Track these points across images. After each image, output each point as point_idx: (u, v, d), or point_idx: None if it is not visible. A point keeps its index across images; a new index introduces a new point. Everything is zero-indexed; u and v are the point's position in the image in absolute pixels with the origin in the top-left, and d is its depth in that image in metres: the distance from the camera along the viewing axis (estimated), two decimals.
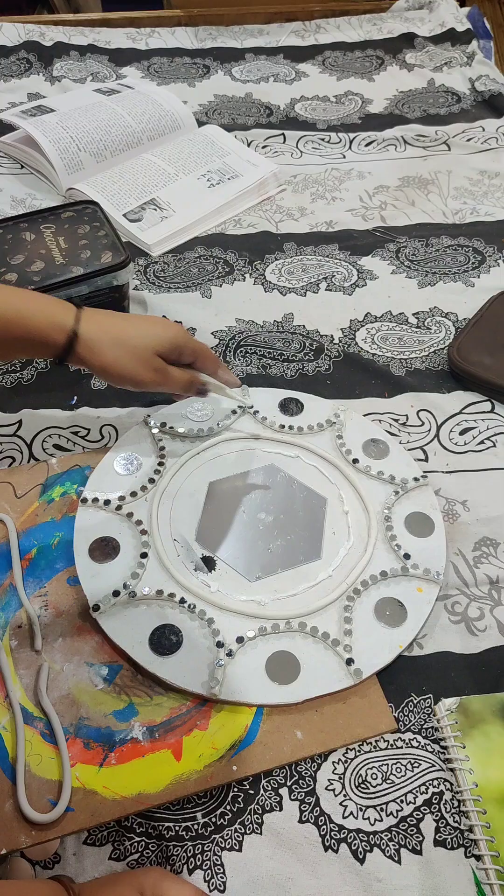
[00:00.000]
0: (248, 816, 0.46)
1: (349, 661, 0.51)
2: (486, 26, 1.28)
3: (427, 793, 0.47)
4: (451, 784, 0.47)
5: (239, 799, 0.46)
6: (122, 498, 0.59)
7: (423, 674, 0.52)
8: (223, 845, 0.45)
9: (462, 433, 0.67)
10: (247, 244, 0.87)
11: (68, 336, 0.52)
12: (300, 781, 0.47)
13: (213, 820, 0.45)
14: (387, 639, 0.52)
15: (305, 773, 0.47)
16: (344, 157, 1.02)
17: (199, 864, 0.44)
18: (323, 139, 1.04)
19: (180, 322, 0.75)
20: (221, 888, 0.43)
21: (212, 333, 0.76)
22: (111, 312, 0.56)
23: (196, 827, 0.45)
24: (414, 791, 0.47)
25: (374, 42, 1.26)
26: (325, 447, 0.64)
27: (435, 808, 0.46)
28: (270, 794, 0.46)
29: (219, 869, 0.44)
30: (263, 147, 1.03)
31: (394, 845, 0.45)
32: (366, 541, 0.58)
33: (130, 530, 0.58)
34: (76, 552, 0.56)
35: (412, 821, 0.46)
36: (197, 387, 0.60)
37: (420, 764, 0.48)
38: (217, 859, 0.44)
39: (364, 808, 0.46)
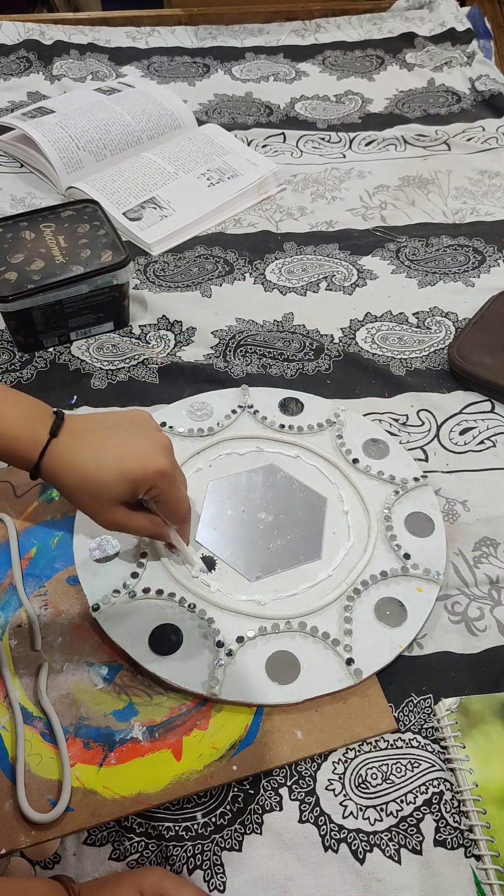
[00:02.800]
0: (248, 816, 0.45)
1: (349, 661, 0.51)
2: (486, 26, 1.28)
3: (427, 793, 0.47)
4: (451, 784, 0.47)
5: (239, 799, 0.46)
6: None
7: (423, 674, 0.52)
8: (223, 845, 0.44)
9: (462, 433, 0.67)
10: (247, 243, 0.87)
11: (34, 465, 0.48)
12: (300, 781, 0.47)
13: (213, 820, 0.45)
14: (387, 639, 0.52)
15: (305, 773, 0.47)
16: (344, 156, 1.02)
17: (198, 863, 0.44)
18: (323, 139, 1.04)
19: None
20: (221, 888, 0.43)
21: (212, 333, 0.76)
22: (91, 423, 0.50)
23: (196, 827, 0.45)
24: (414, 791, 0.47)
25: (375, 42, 1.26)
26: (326, 447, 0.64)
27: (435, 808, 0.46)
28: (270, 793, 0.46)
29: (218, 869, 0.44)
30: (263, 146, 1.03)
31: (394, 845, 0.45)
32: (366, 541, 0.58)
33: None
34: (76, 552, 0.56)
35: (412, 821, 0.46)
36: (166, 538, 0.54)
37: (420, 764, 0.48)
38: (217, 859, 0.44)
39: (364, 808, 0.46)
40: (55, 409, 0.50)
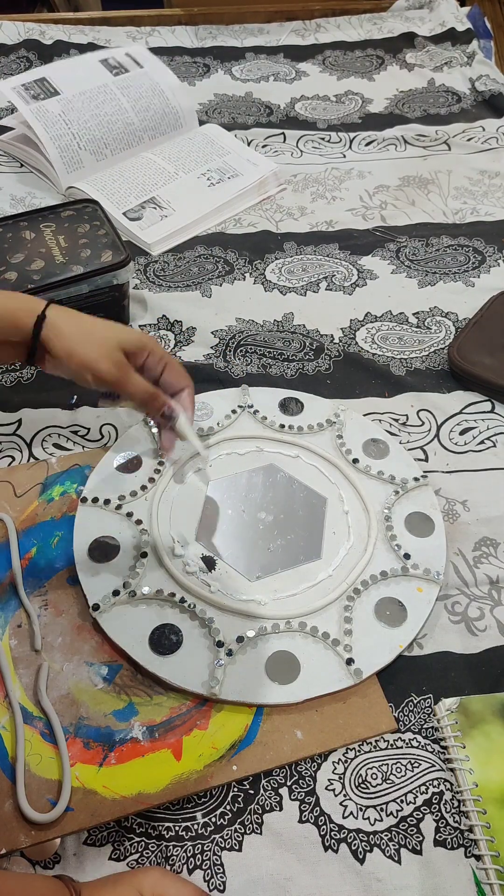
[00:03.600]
0: (248, 816, 0.45)
1: (349, 661, 0.51)
2: (486, 26, 1.28)
3: (427, 793, 0.47)
4: (451, 784, 0.47)
5: (239, 799, 0.46)
6: (121, 497, 0.59)
7: (423, 674, 0.52)
8: (223, 845, 0.44)
9: (462, 433, 0.67)
10: (247, 243, 0.87)
11: (37, 318, 0.52)
12: (300, 781, 0.47)
13: (213, 820, 0.45)
14: (387, 639, 0.52)
15: (305, 773, 0.47)
16: (344, 156, 1.02)
17: (199, 863, 0.44)
18: (323, 138, 1.04)
19: (180, 321, 0.74)
20: (221, 888, 0.43)
21: (212, 333, 0.76)
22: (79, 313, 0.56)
23: (196, 827, 0.45)
24: (414, 791, 0.47)
25: (375, 41, 1.26)
26: (326, 447, 0.64)
27: (435, 808, 0.46)
28: (270, 793, 0.46)
29: (218, 869, 0.44)
30: (263, 146, 1.03)
31: (394, 845, 0.45)
32: (366, 541, 0.58)
33: (130, 530, 0.57)
34: (76, 551, 0.56)
35: (412, 821, 0.46)
36: (161, 407, 0.56)
37: (420, 764, 0.48)
38: (217, 859, 0.44)
39: (364, 808, 0.46)
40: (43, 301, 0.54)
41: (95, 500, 0.59)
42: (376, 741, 0.48)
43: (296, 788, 0.47)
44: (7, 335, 0.53)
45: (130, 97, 0.98)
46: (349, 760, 0.48)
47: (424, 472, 0.63)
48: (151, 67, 1.02)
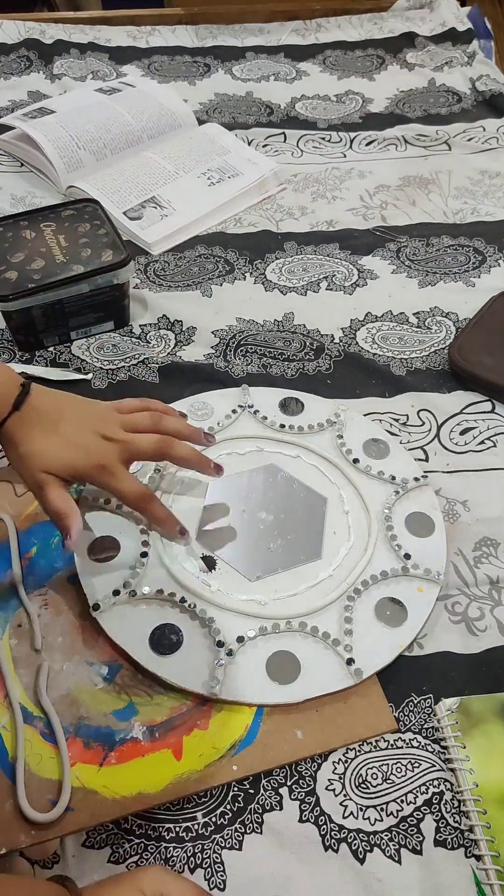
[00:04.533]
0: (249, 816, 0.45)
1: (349, 661, 0.51)
2: (486, 26, 1.28)
3: (427, 793, 0.47)
4: (452, 784, 0.47)
5: (239, 798, 0.46)
6: None
7: (423, 674, 0.52)
8: (223, 844, 0.44)
9: (462, 433, 0.67)
10: (247, 243, 0.87)
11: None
12: (300, 781, 0.47)
13: (214, 819, 0.45)
14: (387, 639, 0.52)
15: (305, 773, 0.47)
16: (344, 156, 1.02)
17: (199, 862, 0.44)
18: (323, 138, 1.04)
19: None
20: (222, 886, 0.43)
21: (212, 332, 0.76)
22: (53, 404, 0.54)
23: (196, 827, 0.45)
24: (414, 791, 0.47)
25: (375, 41, 1.26)
26: (326, 447, 0.64)
27: (435, 808, 0.46)
28: (270, 793, 0.46)
29: (219, 867, 0.44)
30: (264, 146, 1.02)
31: (394, 845, 0.45)
32: (366, 541, 0.58)
33: (130, 529, 0.57)
34: (76, 551, 0.56)
35: (412, 821, 0.46)
36: (62, 531, 0.51)
37: (420, 764, 0.48)
38: (217, 857, 0.44)
39: (364, 808, 0.46)
40: (23, 381, 0.53)
41: (96, 499, 0.59)
42: (376, 741, 0.48)
43: (296, 788, 0.47)
44: None
45: (126, 105, 0.99)
46: (349, 760, 0.48)
47: (425, 472, 0.63)
48: (144, 86, 1.04)
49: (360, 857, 0.44)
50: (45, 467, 0.52)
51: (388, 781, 0.47)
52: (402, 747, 0.48)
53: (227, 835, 0.45)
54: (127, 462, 0.55)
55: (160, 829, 0.45)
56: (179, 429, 0.57)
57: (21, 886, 0.39)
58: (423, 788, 0.47)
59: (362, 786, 0.47)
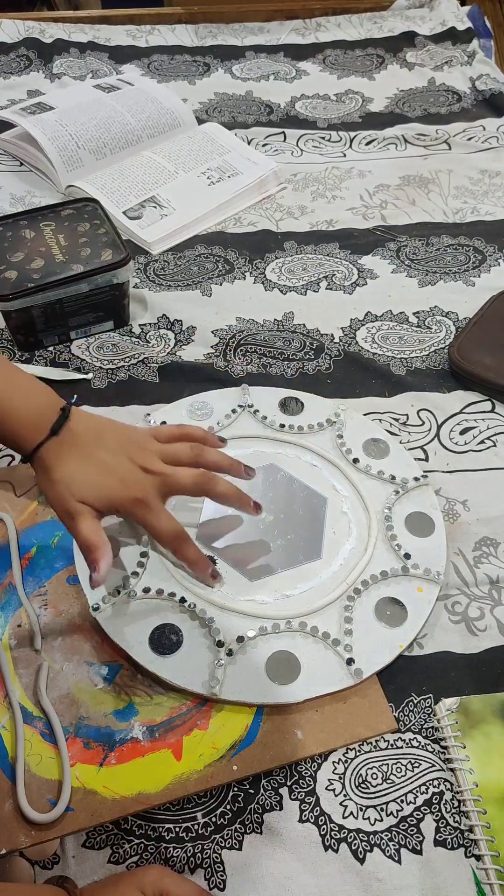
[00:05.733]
0: (249, 816, 0.45)
1: (349, 661, 0.51)
2: (486, 25, 1.28)
3: (427, 793, 0.47)
4: (452, 784, 0.47)
5: (239, 798, 0.46)
6: None
7: (423, 674, 0.52)
8: (223, 844, 0.44)
9: (462, 433, 0.67)
10: (247, 242, 0.87)
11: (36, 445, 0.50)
12: (300, 781, 0.47)
13: (213, 820, 0.45)
14: (387, 639, 0.52)
15: (305, 773, 0.47)
16: (344, 155, 1.02)
17: (199, 862, 0.44)
18: (323, 137, 1.04)
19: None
20: (222, 886, 0.43)
21: (212, 332, 0.76)
22: (94, 429, 0.52)
23: (196, 827, 0.45)
24: (414, 791, 0.47)
25: (375, 41, 1.26)
26: (326, 446, 0.64)
27: (435, 808, 0.46)
28: (270, 793, 0.46)
29: (219, 867, 0.44)
30: (264, 145, 1.02)
31: (394, 845, 0.45)
32: (366, 540, 0.58)
33: (130, 530, 0.57)
34: (76, 551, 0.56)
35: (412, 821, 0.46)
36: (90, 564, 0.49)
37: (420, 764, 0.48)
38: (217, 857, 0.44)
39: (364, 808, 0.46)
40: (63, 405, 0.51)
41: None
42: (376, 741, 0.48)
43: (296, 788, 0.47)
44: (6, 445, 0.52)
45: (125, 104, 0.98)
46: (349, 760, 0.48)
47: (425, 471, 0.63)
48: (143, 84, 1.04)
49: (360, 857, 0.44)
50: (81, 496, 0.49)
51: (388, 781, 0.47)
52: (402, 747, 0.48)
53: (227, 835, 0.45)
54: (164, 497, 0.53)
55: (160, 829, 0.45)
56: (220, 461, 0.55)
57: (20, 893, 0.39)
58: (423, 788, 0.47)
59: (362, 786, 0.47)
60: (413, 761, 0.48)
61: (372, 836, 0.45)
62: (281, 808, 0.46)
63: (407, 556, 0.56)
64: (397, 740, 0.49)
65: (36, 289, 0.67)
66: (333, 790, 0.46)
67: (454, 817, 0.46)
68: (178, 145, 0.96)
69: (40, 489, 0.53)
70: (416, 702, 0.50)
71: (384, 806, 0.46)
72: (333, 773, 0.47)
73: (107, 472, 0.51)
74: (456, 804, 0.46)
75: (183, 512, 0.59)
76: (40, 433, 0.50)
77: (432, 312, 0.79)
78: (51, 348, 0.73)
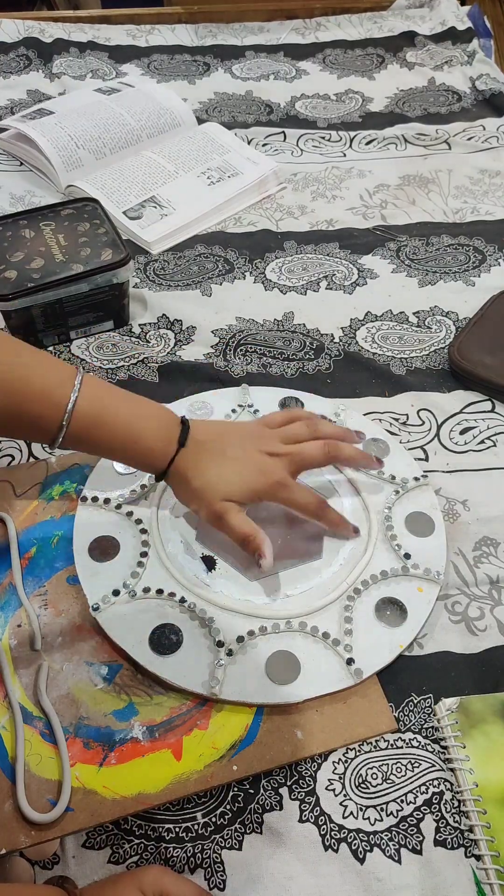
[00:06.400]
0: (249, 816, 0.45)
1: (349, 661, 0.51)
2: (486, 25, 1.28)
3: (427, 793, 0.47)
4: (452, 784, 0.47)
5: (239, 798, 0.46)
6: (122, 497, 0.59)
7: (423, 674, 0.52)
8: (223, 844, 0.44)
9: (462, 433, 0.67)
10: (247, 242, 0.87)
11: (168, 462, 0.53)
12: (300, 781, 0.47)
13: (213, 819, 0.45)
14: (387, 638, 0.52)
15: (305, 773, 0.47)
16: (344, 155, 1.02)
17: (199, 862, 0.44)
18: (323, 137, 1.04)
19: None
20: (222, 886, 0.43)
21: (212, 332, 0.76)
22: (214, 431, 0.55)
23: (196, 827, 0.45)
24: (414, 791, 0.47)
25: (375, 40, 1.26)
26: None
27: (435, 807, 0.46)
28: (270, 793, 0.46)
29: (219, 867, 0.44)
30: (264, 145, 1.02)
31: (394, 845, 0.45)
32: (366, 540, 0.58)
33: (130, 529, 0.57)
34: (76, 551, 0.56)
35: (412, 821, 0.46)
36: (253, 552, 0.53)
37: (420, 764, 0.48)
38: (217, 858, 0.44)
39: (364, 808, 0.46)
40: (182, 417, 0.55)
41: (95, 499, 0.59)
42: (376, 741, 0.48)
43: (296, 788, 0.47)
44: (138, 468, 0.55)
45: (125, 105, 0.99)
46: (349, 760, 0.48)
47: (424, 471, 0.63)
48: (143, 85, 1.04)
49: (360, 856, 0.44)
50: (226, 495, 0.52)
51: (388, 781, 0.47)
52: (402, 747, 0.48)
53: (227, 835, 0.45)
54: (295, 473, 0.56)
55: (160, 829, 0.45)
56: (335, 431, 0.58)
57: (20, 893, 0.39)
58: (423, 788, 0.47)
59: (362, 786, 0.47)
60: (413, 761, 0.48)
61: (372, 836, 0.45)
62: (281, 808, 0.46)
63: (407, 556, 0.56)
64: (397, 740, 0.49)
65: (36, 289, 0.67)
66: (333, 790, 0.46)
67: (454, 817, 0.46)
68: (177, 145, 0.96)
69: (181, 501, 0.55)
70: (416, 702, 0.50)
71: (384, 806, 0.46)
72: (333, 773, 0.47)
73: (242, 466, 0.53)
74: (456, 804, 0.46)
75: (186, 514, 0.59)
76: (171, 447, 0.53)
77: (432, 312, 0.79)
78: (51, 348, 0.73)
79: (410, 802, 0.46)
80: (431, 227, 0.90)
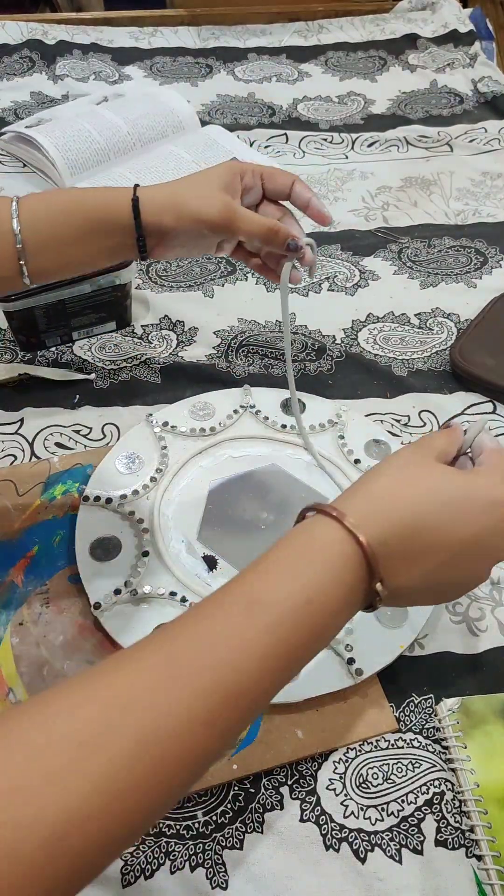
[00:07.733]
0: (249, 815, 0.46)
1: (350, 661, 0.51)
2: (488, 27, 1.28)
3: (428, 793, 0.47)
4: (453, 784, 0.47)
5: (240, 798, 0.46)
6: (123, 496, 0.59)
7: (424, 674, 0.52)
8: (224, 844, 0.45)
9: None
10: None
11: (131, 199, 0.51)
12: (301, 781, 0.47)
13: (214, 819, 0.45)
14: (388, 639, 0.52)
15: (306, 773, 0.47)
16: (346, 157, 1.02)
17: (200, 862, 0.44)
18: (325, 139, 1.04)
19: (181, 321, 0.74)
20: (223, 886, 0.43)
21: (214, 333, 0.76)
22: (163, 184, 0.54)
23: (197, 826, 0.45)
24: (415, 791, 0.47)
25: (377, 43, 1.26)
26: (327, 447, 0.64)
27: (436, 808, 0.46)
28: (271, 792, 0.46)
29: (220, 867, 0.44)
30: (266, 147, 1.03)
31: (395, 845, 0.45)
32: None
33: (132, 529, 0.58)
34: (77, 550, 0.56)
35: (413, 821, 0.46)
36: (285, 240, 0.54)
37: (421, 764, 0.48)
38: (218, 857, 0.44)
39: (365, 808, 0.46)
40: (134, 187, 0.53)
41: (97, 498, 0.59)
42: (377, 741, 0.48)
43: (296, 788, 0.47)
44: (107, 232, 0.52)
45: (129, 107, 0.99)
46: (350, 760, 0.48)
47: None
48: (147, 88, 1.06)
49: (361, 856, 0.44)
50: (216, 183, 0.53)
51: (389, 781, 0.47)
52: (402, 747, 0.48)
53: (228, 834, 0.45)
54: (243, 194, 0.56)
55: (160, 825, 0.45)
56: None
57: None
58: (424, 788, 0.47)
59: (363, 785, 0.47)
60: (414, 761, 0.48)
61: (373, 835, 0.45)
62: (282, 808, 0.46)
63: None
64: (398, 740, 0.49)
65: (38, 289, 0.67)
66: (334, 790, 0.47)
67: (455, 817, 0.46)
68: (181, 147, 0.97)
69: (175, 242, 0.53)
70: (416, 702, 0.50)
71: (385, 806, 0.46)
72: (334, 772, 0.47)
73: (190, 179, 0.54)
74: (457, 804, 0.46)
75: (189, 497, 0.59)
76: (124, 199, 0.51)
77: (434, 314, 0.79)
78: (53, 349, 0.74)
79: (411, 802, 0.46)
80: (433, 229, 0.90)
